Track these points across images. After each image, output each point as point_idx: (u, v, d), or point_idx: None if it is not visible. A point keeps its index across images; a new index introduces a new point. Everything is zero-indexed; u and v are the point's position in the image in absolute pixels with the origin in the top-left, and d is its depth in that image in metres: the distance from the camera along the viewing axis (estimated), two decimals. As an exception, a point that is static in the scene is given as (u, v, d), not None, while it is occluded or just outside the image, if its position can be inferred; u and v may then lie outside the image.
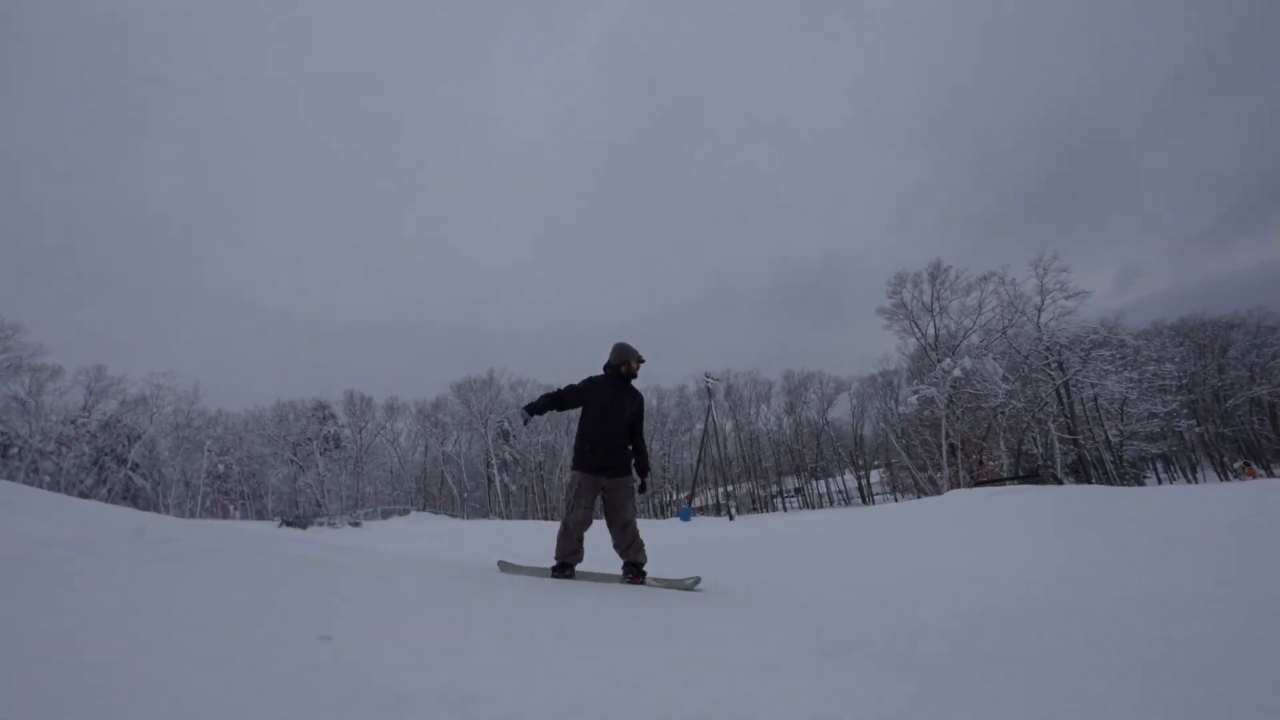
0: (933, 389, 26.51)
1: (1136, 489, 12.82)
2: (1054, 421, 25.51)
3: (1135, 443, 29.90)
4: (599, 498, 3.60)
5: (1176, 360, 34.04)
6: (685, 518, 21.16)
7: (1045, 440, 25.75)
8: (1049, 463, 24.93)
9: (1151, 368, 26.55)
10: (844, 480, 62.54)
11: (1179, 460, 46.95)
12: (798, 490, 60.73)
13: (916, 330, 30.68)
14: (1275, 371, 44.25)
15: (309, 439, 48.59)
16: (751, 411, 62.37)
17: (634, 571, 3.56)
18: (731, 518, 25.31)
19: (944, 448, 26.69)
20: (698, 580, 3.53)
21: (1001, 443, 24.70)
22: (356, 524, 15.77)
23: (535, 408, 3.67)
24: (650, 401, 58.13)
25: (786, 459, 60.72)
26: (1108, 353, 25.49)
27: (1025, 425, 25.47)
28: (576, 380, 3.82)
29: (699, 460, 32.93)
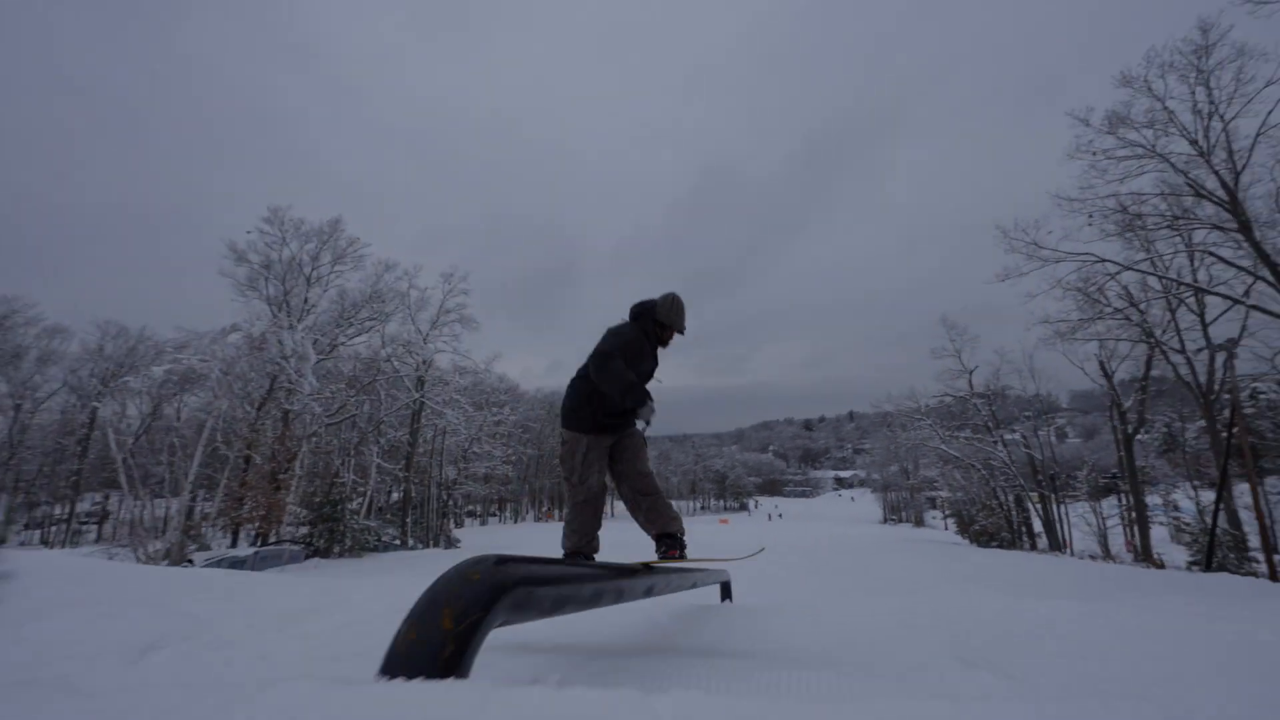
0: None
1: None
2: (381, 451, 21.03)
3: (470, 483, 29.86)
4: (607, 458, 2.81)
5: (521, 414, 38.86)
6: None
7: (363, 467, 20.77)
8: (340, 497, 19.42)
9: (496, 412, 27.36)
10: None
11: (513, 505, 56.27)
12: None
13: (264, 290, 21.45)
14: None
15: None
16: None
17: (667, 544, 2.67)
18: None
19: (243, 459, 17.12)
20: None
21: (302, 461, 17.77)
22: None
23: (640, 393, 2.48)
24: None
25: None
26: (466, 381, 24.04)
27: (350, 446, 19.83)
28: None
29: None
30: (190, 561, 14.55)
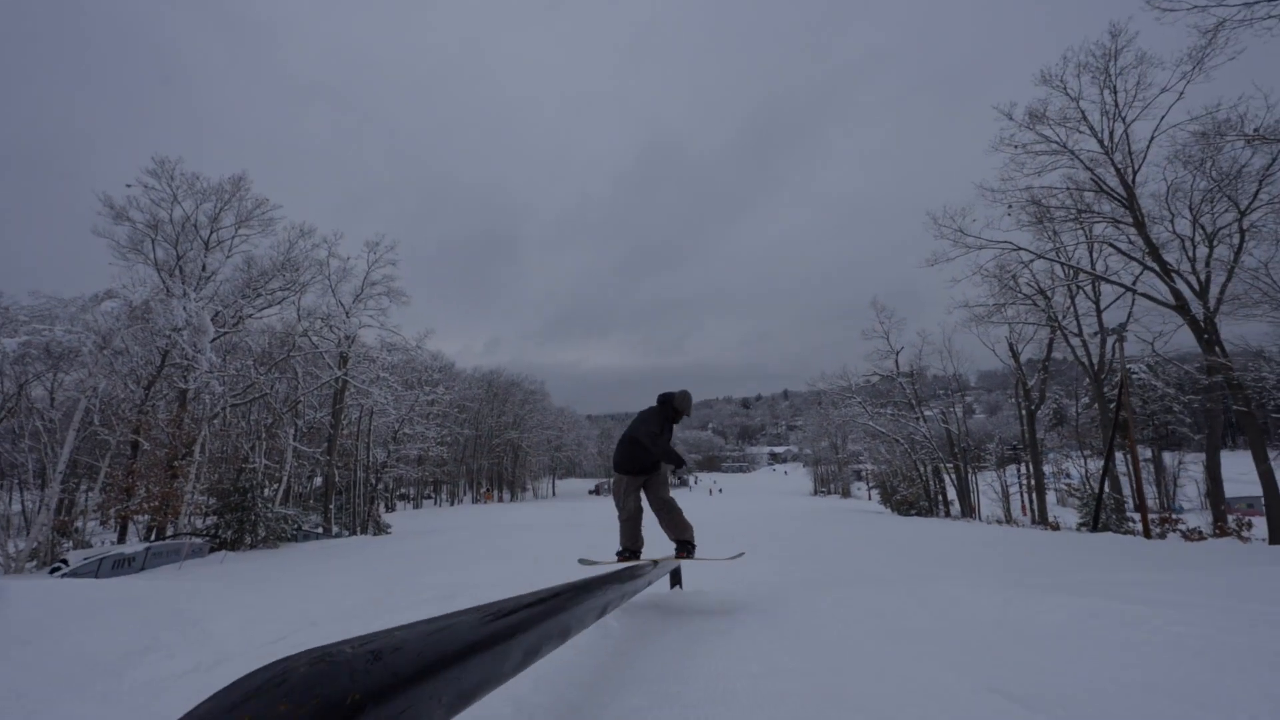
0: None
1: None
2: (299, 433, 19.28)
3: (401, 466, 28.30)
4: (640, 489, 4.43)
5: (457, 393, 37.25)
6: None
7: (278, 451, 18.97)
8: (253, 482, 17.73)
9: (429, 391, 25.83)
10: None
11: (450, 487, 54.34)
12: None
13: (151, 254, 18.84)
14: (526, 421, 61.22)
15: None
16: None
17: (683, 548, 4.29)
18: None
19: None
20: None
21: (203, 446, 15.86)
22: None
23: (678, 459, 4.16)
24: None
25: None
26: (396, 359, 22.44)
27: (262, 428, 17.90)
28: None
29: None
30: (64, 562, 12.68)
